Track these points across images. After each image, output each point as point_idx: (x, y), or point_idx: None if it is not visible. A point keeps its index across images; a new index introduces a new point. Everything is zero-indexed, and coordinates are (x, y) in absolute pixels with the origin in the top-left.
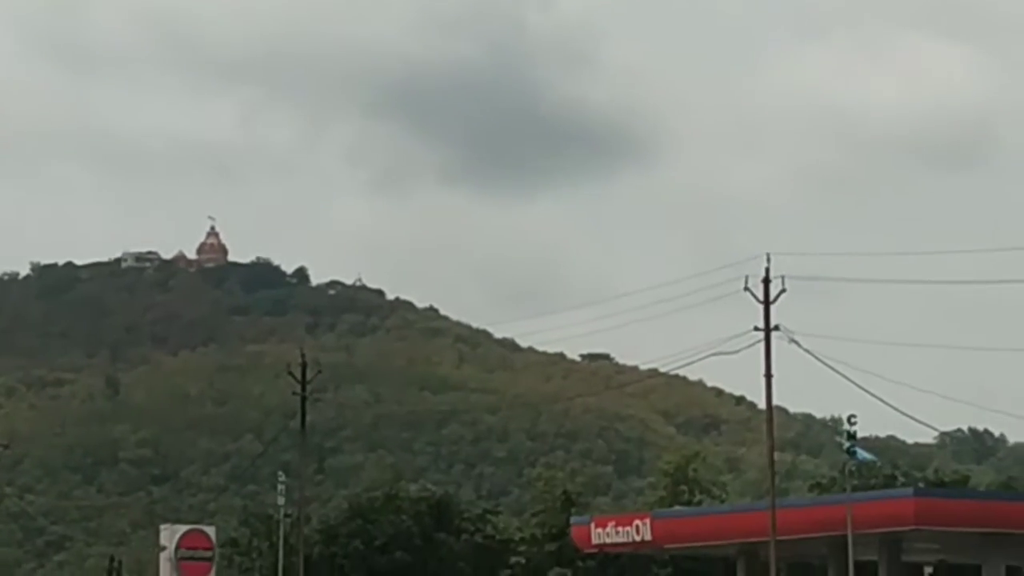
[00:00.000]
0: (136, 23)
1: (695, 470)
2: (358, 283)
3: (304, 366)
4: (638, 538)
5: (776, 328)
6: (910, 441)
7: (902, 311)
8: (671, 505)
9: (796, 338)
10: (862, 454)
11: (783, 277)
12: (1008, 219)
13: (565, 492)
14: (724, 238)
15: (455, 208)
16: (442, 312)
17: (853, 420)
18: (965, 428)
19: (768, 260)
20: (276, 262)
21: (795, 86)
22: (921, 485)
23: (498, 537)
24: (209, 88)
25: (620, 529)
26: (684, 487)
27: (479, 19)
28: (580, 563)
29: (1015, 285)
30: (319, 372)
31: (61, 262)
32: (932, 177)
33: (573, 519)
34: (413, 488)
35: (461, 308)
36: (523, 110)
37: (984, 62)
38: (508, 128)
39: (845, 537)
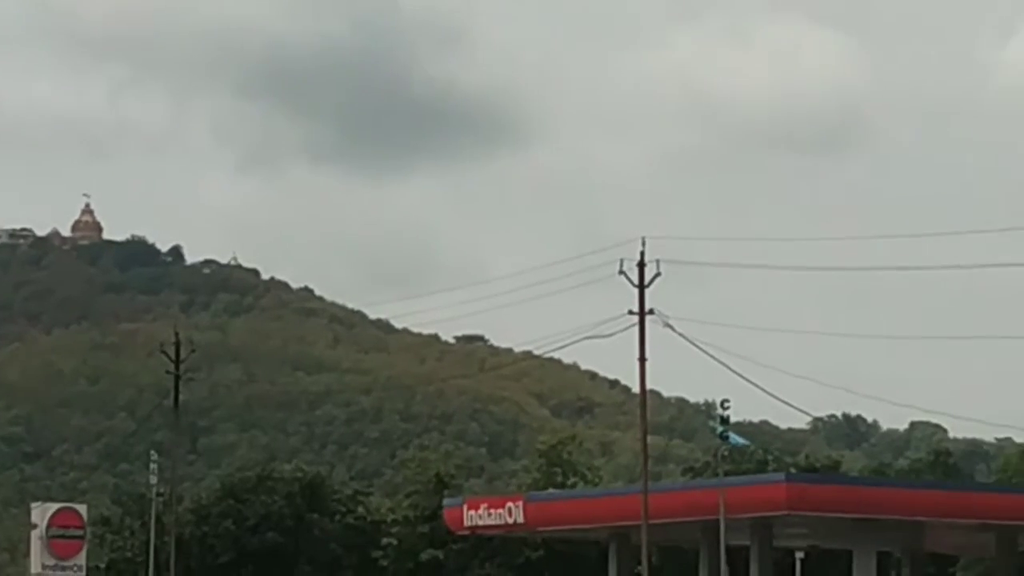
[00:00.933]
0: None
1: (569, 453)
2: (233, 262)
3: (178, 345)
4: (510, 520)
5: (651, 312)
6: (783, 426)
7: (775, 296)
8: (545, 488)
9: (670, 322)
10: (735, 439)
11: (657, 261)
12: (874, 205)
13: (438, 474)
14: (597, 221)
15: (326, 188)
16: (317, 292)
17: (726, 405)
18: (838, 414)
19: (643, 244)
20: (151, 240)
21: (667, 69)
22: (793, 470)
23: (370, 518)
24: (81, 64)
25: (492, 511)
26: (558, 469)
27: None
28: (452, 545)
29: (886, 272)
30: (193, 351)
31: None
32: (800, 162)
33: (446, 501)
34: (286, 469)
35: (336, 289)
36: (394, 89)
37: (853, 47)
38: (379, 107)
39: (717, 521)
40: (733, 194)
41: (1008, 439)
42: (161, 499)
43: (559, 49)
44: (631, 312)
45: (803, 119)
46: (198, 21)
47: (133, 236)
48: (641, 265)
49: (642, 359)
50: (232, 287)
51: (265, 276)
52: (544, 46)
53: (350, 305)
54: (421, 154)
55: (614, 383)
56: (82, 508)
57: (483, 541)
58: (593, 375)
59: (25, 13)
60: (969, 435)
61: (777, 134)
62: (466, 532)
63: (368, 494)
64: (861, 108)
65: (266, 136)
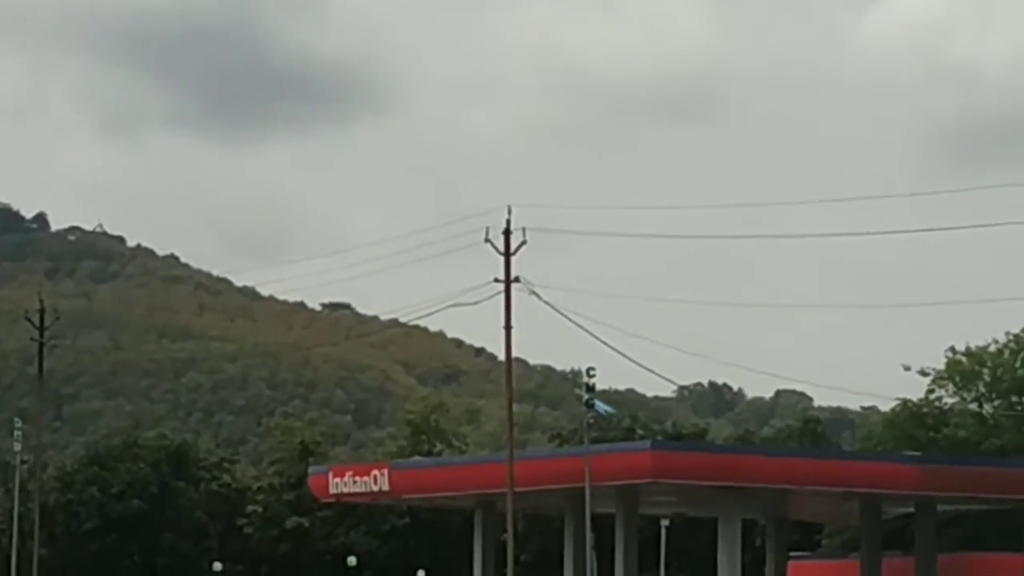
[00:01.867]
0: None
1: (436, 420)
2: (98, 229)
3: (42, 312)
4: (376, 488)
5: (516, 280)
6: (649, 394)
7: (641, 265)
8: (412, 455)
9: (536, 290)
10: (601, 407)
11: (524, 229)
12: (738, 173)
13: (303, 442)
14: (459, 190)
15: (186, 155)
16: (183, 260)
17: (592, 373)
18: (704, 382)
19: (509, 212)
20: (15, 207)
21: (530, 37)
22: (659, 438)
23: (235, 486)
24: None
25: (358, 479)
26: (425, 437)
27: None
28: (318, 512)
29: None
30: (57, 318)
31: None
32: (666, 131)
33: (311, 469)
34: (151, 436)
35: (202, 256)
36: (254, 56)
37: (717, 17)
38: (238, 74)
39: (583, 489)
40: (598, 163)
41: (873, 407)
42: (25, 466)
43: (420, 16)
44: (497, 280)
45: (668, 88)
46: None
47: (2, 204)
48: (507, 233)
49: (508, 327)
50: (97, 254)
51: (131, 243)
52: (404, 13)
53: (216, 272)
54: (280, 122)
55: (480, 351)
56: None
57: (349, 508)
58: (459, 343)
59: None
60: (834, 403)
61: (643, 104)
62: (331, 500)
63: (234, 462)
64: (725, 78)
65: (126, 102)
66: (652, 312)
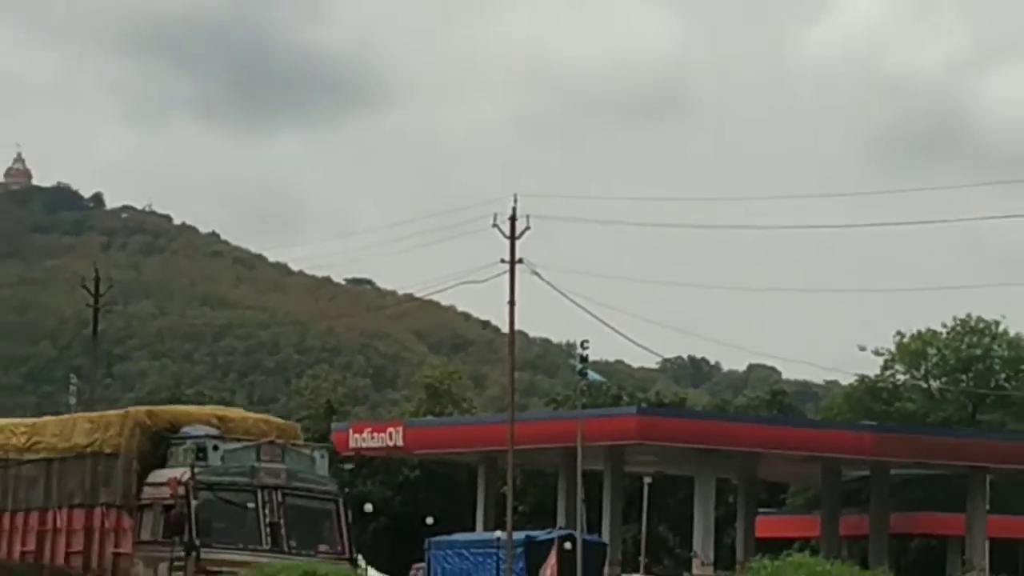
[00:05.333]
0: None
1: (448, 385)
2: (148, 208)
3: (97, 281)
4: (391, 444)
5: (520, 261)
6: (635, 365)
7: (628, 249)
8: (425, 415)
9: (537, 270)
10: (593, 376)
11: (527, 216)
12: (704, 175)
13: (328, 401)
14: (449, 177)
15: (209, 141)
16: (223, 237)
17: (585, 345)
18: (684, 356)
19: (515, 200)
20: (75, 187)
21: (513, 41)
22: (643, 405)
23: None
24: None
25: (375, 435)
26: (437, 397)
27: None
28: (339, 465)
29: (726, 229)
30: (111, 287)
31: None
32: (632, 129)
33: (334, 425)
34: (191, 393)
35: (239, 234)
36: (266, 53)
37: (681, 27)
38: (253, 69)
39: (575, 448)
40: (576, 156)
41: (835, 382)
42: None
43: (413, 20)
44: (503, 261)
45: (637, 89)
46: None
47: (59, 183)
48: (513, 219)
49: (511, 303)
50: (147, 230)
51: (177, 221)
52: (399, 17)
53: (252, 249)
54: (290, 112)
55: (486, 324)
56: None
57: (366, 461)
58: (467, 316)
59: None
60: (800, 377)
61: (609, 102)
62: (351, 453)
63: None
64: (682, 78)
65: (152, 93)
66: (638, 292)
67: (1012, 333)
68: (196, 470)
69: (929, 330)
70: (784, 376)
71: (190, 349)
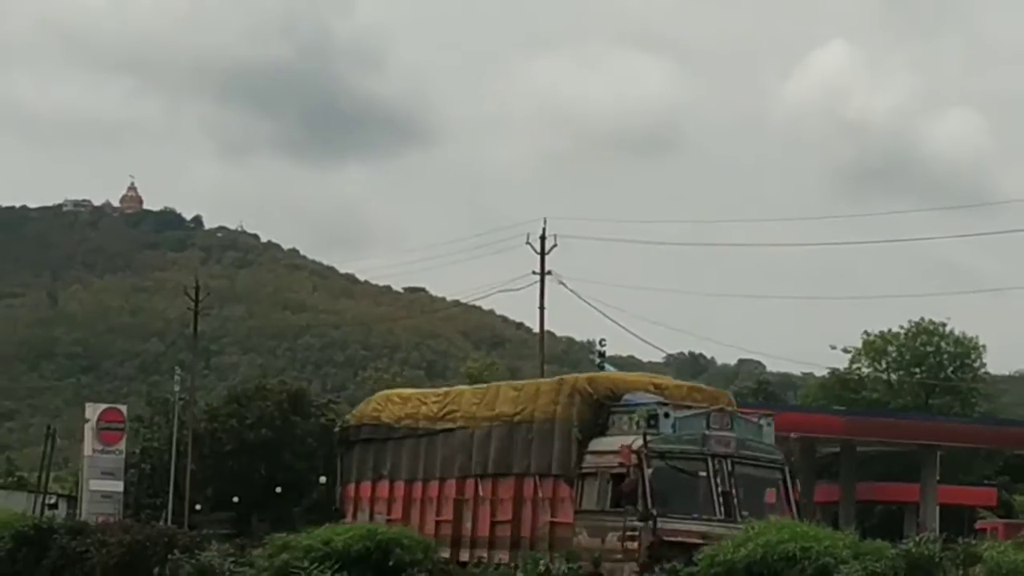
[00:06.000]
0: (44, 27)
1: (488, 375)
2: (239, 228)
3: (197, 289)
4: None
5: (548, 272)
6: (644, 360)
7: (636, 263)
8: None
9: (563, 280)
10: (609, 368)
11: (555, 235)
12: (697, 202)
13: (389, 388)
14: (487, 203)
15: (288, 173)
16: (301, 252)
17: (603, 342)
18: (685, 351)
19: (544, 223)
20: (179, 211)
21: (538, 89)
22: None
23: (338, 421)
24: (106, 78)
25: None
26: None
27: (293, 27)
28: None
29: (716, 247)
30: (208, 294)
31: (17, 205)
32: (636, 161)
33: None
34: (275, 382)
35: (314, 249)
36: (334, 99)
37: (675, 78)
38: (324, 113)
39: None
40: (586, 186)
41: (811, 373)
42: (182, 402)
43: (455, 70)
44: (534, 272)
45: (637, 130)
46: (186, 45)
47: (165, 207)
48: (542, 238)
49: (541, 308)
50: (238, 247)
51: (263, 239)
52: (444, 68)
53: (325, 262)
54: (355, 149)
55: (520, 324)
56: (123, 408)
57: None
58: (504, 319)
59: (58, 37)
60: (782, 370)
61: (618, 140)
62: None
63: (336, 403)
64: (679, 120)
65: (240, 133)
66: (647, 299)
67: (957, 333)
68: (648, 438)
69: (889, 331)
70: (768, 369)
71: (273, 345)
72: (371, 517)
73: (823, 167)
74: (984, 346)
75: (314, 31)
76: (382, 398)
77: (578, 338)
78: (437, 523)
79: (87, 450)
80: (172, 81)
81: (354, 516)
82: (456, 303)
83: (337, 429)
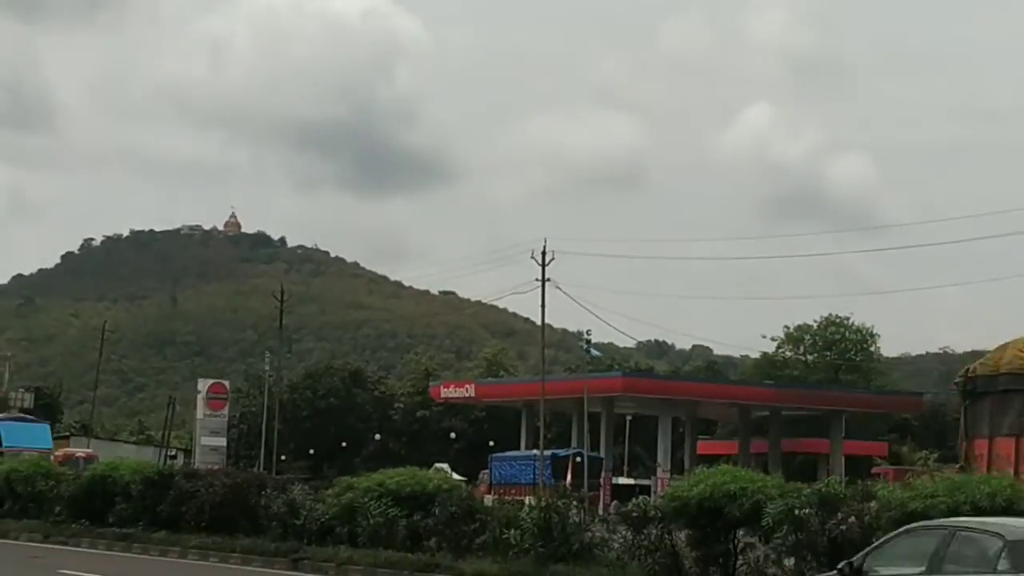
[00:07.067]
0: (160, 92)
1: (501, 359)
2: (313, 247)
3: (282, 293)
4: (466, 395)
5: (548, 279)
6: (620, 345)
7: (614, 271)
8: (487, 378)
9: (559, 285)
10: (594, 352)
11: (553, 251)
12: (658, 224)
13: (426, 368)
14: (503, 227)
15: (346, 205)
16: (360, 264)
17: (589, 332)
18: (652, 339)
19: (545, 241)
20: (268, 233)
21: (537, 137)
22: (626, 371)
23: (388, 392)
24: (209, 131)
25: (457, 390)
26: (495, 366)
27: (347, 91)
28: (434, 408)
29: (676, 259)
30: (290, 296)
31: (146, 228)
32: (612, 195)
33: (431, 383)
34: (340, 363)
35: (370, 262)
36: (380, 147)
37: (639, 126)
38: (371, 158)
39: (583, 398)
40: (574, 213)
41: (747, 355)
42: (271, 378)
43: (472, 125)
44: (537, 280)
45: (612, 169)
46: (267, 106)
47: (258, 231)
48: (543, 253)
49: (543, 306)
50: (313, 260)
51: (332, 255)
52: (464, 124)
53: (379, 271)
54: (397, 187)
55: (526, 319)
56: (226, 382)
57: (452, 406)
58: (515, 314)
59: (172, 102)
60: (726, 353)
61: (599, 177)
62: (442, 401)
63: (387, 379)
64: (643, 162)
65: (309, 173)
66: (622, 299)
67: (857, 324)
68: None
69: (805, 323)
70: (716, 352)
71: (340, 335)
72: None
73: (752, 198)
74: (878, 335)
75: (364, 96)
76: None
77: (571, 329)
78: None
79: (199, 414)
80: (257, 133)
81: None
82: (478, 303)
83: (959, 380)
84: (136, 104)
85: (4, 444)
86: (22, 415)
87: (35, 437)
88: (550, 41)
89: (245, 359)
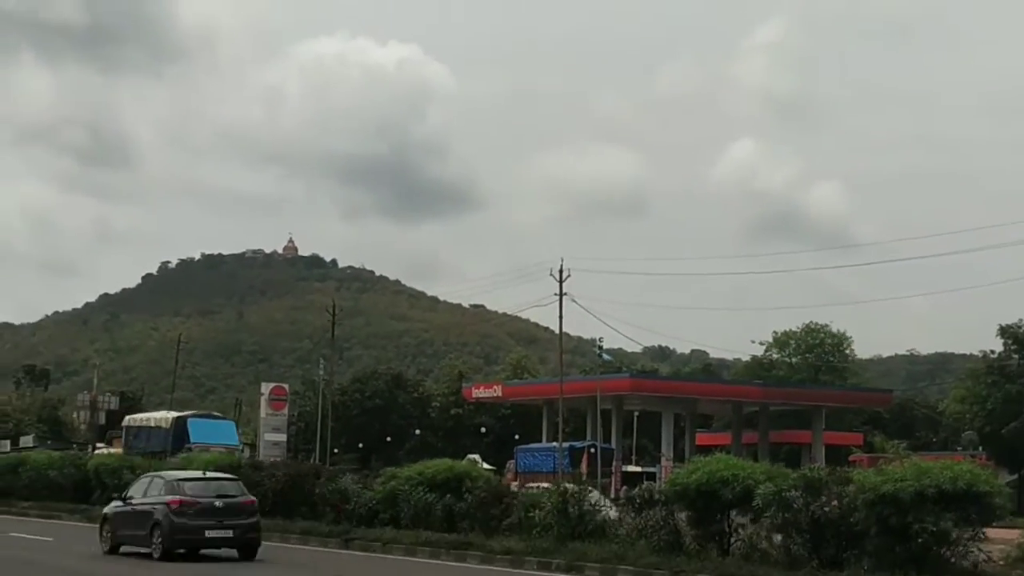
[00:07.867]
0: (221, 134)
1: (524, 363)
2: (361, 266)
3: (334, 307)
4: (495, 395)
5: (565, 294)
6: (628, 351)
7: (621, 286)
8: (512, 378)
9: (575, 299)
10: (605, 357)
11: (570, 269)
12: (659, 245)
13: (460, 371)
14: (524, 248)
15: (386, 230)
16: (403, 282)
17: (601, 340)
18: (656, 345)
19: (562, 261)
20: (321, 255)
21: (548, 171)
22: (634, 372)
23: (426, 393)
24: (267, 167)
25: (486, 390)
26: (520, 369)
27: (385, 130)
28: (467, 407)
29: (674, 276)
30: (340, 310)
31: (215, 252)
32: (617, 221)
33: (463, 384)
34: (384, 368)
35: (410, 279)
36: (414, 178)
37: (639, 160)
38: (406, 189)
39: (596, 397)
40: (585, 235)
41: (739, 359)
42: (324, 381)
43: (494, 159)
44: (555, 294)
45: (615, 197)
46: (316, 144)
47: (312, 253)
48: (560, 271)
49: (560, 317)
50: (361, 279)
51: (378, 273)
52: (486, 158)
53: (418, 287)
54: (430, 213)
55: (547, 328)
56: (286, 385)
57: (482, 405)
58: (536, 324)
59: (239, 143)
60: (720, 356)
61: (603, 206)
62: (473, 400)
63: (425, 382)
64: (643, 191)
65: (353, 202)
66: (630, 309)
67: (835, 331)
68: None
69: (789, 330)
70: (712, 356)
71: (384, 343)
72: None
73: (740, 221)
74: (852, 339)
75: (400, 133)
76: None
77: (585, 336)
78: None
79: (262, 413)
80: (309, 168)
81: None
82: (504, 315)
83: None
84: (203, 144)
85: (192, 440)
86: (209, 412)
87: (222, 433)
88: (560, 83)
89: (302, 365)
